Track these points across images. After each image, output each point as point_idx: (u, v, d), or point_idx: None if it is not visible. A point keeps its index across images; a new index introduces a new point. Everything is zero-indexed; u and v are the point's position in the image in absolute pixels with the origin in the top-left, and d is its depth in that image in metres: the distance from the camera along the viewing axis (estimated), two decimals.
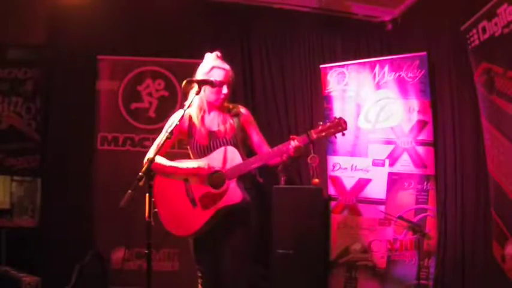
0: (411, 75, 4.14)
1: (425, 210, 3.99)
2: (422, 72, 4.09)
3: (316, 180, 4.10)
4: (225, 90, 2.62)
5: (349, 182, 4.31)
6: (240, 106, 2.77)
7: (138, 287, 2.61)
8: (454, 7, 3.77)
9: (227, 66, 2.66)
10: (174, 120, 2.48)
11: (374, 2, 4.71)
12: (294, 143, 2.50)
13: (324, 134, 2.52)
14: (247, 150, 2.72)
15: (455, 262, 3.72)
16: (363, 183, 4.24)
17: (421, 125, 4.08)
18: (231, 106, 2.74)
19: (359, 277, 4.17)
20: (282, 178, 4.18)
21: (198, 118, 2.66)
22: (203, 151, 2.63)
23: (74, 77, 4.42)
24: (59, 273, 3.81)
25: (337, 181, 4.37)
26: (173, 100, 4.44)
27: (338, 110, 4.39)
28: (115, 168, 4.27)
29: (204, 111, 2.69)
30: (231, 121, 2.67)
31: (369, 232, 4.17)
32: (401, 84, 4.18)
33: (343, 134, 2.54)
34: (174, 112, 2.69)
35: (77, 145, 4.37)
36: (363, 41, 4.88)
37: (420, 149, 4.06)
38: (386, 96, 4.24)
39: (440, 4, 4.00)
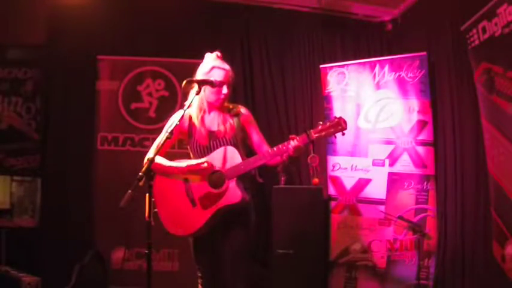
0: (411, 75, 4.14)
1: (425, 210, 3.99)
2: (422, 72, 4.09)
3: (316, 180, 4.10)
4: (225, 90, 2.63)
5: (349, 182, 4.31)
6: (240, 106, 2.77)
7: (138, 287, 2.62)
8: (454, 7, 3.77)
9: (227, 66, 2.66)
10: (174, 120, 2.49)
11: (374, 2, 4.70)
12: (293, 143, 2.50)
13: (323, 133, 2.52)
14: (247, 150, 2.72)
15: (455, 262, 3.72)
16: (363, 183, 4.24)
17: (421, 125, 4.08)
18: (231, 106, 2.74)
19: (359, 277, 4.17)
20: (282, 178, 4.19)
21: (198, 118, 2.66)
22: (203, 151, 2.64)
23: (74, 77, 4.42)
24: (59, 273, 3.81)
25: (337, 181, 4.37)
26: (173, 100, 4.44)
27: (338, 110, 4.38)
28: (115, 168, 4.27)
29: (204, 111, 2.69)
30: (231, 121, 2.67)
31: (369, 232, 4.17)
32: (401, 84, 4.18)
33: (343, 134, 2.54)
34: (174, 112, 2.69)
35: (77, 145, 4.37)
36: (362, 41, 4.88)
37: (420, 149, 4.06)
38: (386, 96, 4.24)
39: (440, 4, 4.00)
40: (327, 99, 4.51)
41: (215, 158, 2.56)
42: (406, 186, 4.06)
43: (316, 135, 2.51)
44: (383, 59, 4.34)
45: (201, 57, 2.72)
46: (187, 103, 2.53)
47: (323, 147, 4.44)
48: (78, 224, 4.21)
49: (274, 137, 3.97)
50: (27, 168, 4.49)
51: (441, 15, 3.99)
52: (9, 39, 4.48)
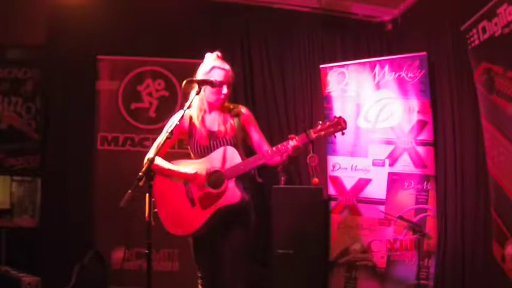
0: (411, 75, 4.13)
1: (425, 210, 3.99)
2: (422, 72, 4.09)
3: (316, 179, 4.10)
4: (225, 90, 2.63)
5: (349, 182, 4.31)
6: (240, 106, 2.77)
7: (138, 287, 2.62)
8: (454, 7, 3.76)
9: (227, 66, 2.66)
10: (174, 120, 2.49)
11: (374, 2, 4.70)
12: (292, 143, 2.50)
13: (323, 133, 2.51)
14: (248, 150, 2.72)
15: (455, 262, 3.72)
16: (362, 183, 4.24)
17: (421, 125, 4.07)
18: (231, 106, 2.74)
19: (359, 277, 4.17)
20: (282, 178, 4.18)
21: (199, 118, 2.67)
22: (203, 151, 2.64)
23: (74, 77, 4.42)
24: (59, 273, 3.81)
25: (337, 181, 4.37)
26: (173, 100, 4.44)
27: (338, 110, 4.38)
28: (115, 168, 4.28)
29: (205, 112, 2.69)
30: (232, 121, 2.67)
31: (369, 232, 4.17)
32: (401, 84, 4.18)
33: (343, 134, 2.53)
34: (174, 112, 2.70)
35: (77, 145, 4.37)
36: (362, 41, 4.88)
37: (420, 149, 4.06)
38: (386, 96, 4.24)
39: (440, 4, 3.99)
40: (327, 99, 4.51)
41: (215, 158, 2.57)
42: (406, 186, 4.06)
43: (316, 135, 2.51)
44: (383, 59, 4.34)
45: (201, 57, 2.72)
46: (187, 103, 2.53)
47: (323, 147, 4.44)
48: (78, 224, 4.21)
49: (274, 137, 3.98)
50: (27, 168, 4.49)
51: (441, 15, 3.99)
52: (9, 39, 4.48)
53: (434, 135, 4.05)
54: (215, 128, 2.66)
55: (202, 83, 2.55)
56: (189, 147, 2.73)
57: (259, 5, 4.75)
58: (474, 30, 3.35)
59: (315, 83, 4.76)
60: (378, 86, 4.30)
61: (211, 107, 2.69)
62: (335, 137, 2.58)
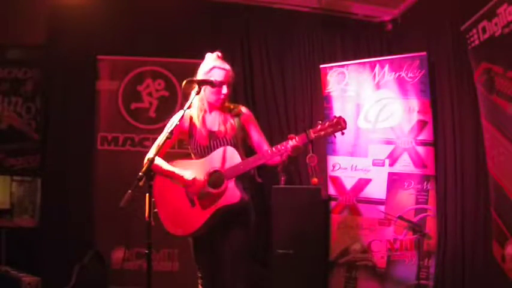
0: (411, 75, 4.13)
1: (425, 210, 3.99)
2: (422, 72, 4.09)
3: (315, 179, 4.10)
4: (224, 90, 2.62)
5: (349, 182, 4.31)
6: (241, 106, 2.77)
7: (138, 287, 2.62)
8: (454, 7, 3.76)
9: (227, 66, 2.66)
10: (174, 120, 2.49)
11: (374, 2, 4.70)
12: (292, 143, 2.49)
13: (322, 133, 2.51)
14: (248, 150, 2.72)
15: (455, 262, 3.72)
16: (362, 183, 4.24)
17: (421, 125, 4.07)
18: (231, 106, 2.74)
19: (359, 277, 4.17)
20: (282, 178, 4.18)
21: (199, 118, 2.67)
22: (203, 151, 2.64)
23: (74, 77, 4.42)
24: (59, 273, 3.81)
25: (337, 181, 4.37)
26: (173, 100, 4.45)
27: (338, 110, 4.38)
28: (115, 168, 4.28)
29: (205, 112, 2.69)
30: (232, 121, 2.67)
31: (369, 232, 4.17)
32: (402, 84, 4.18)
33: (343, 133, 2.53)
34: (174, 112, 2.70)
35: (77, 145, 4.37)
36: (362, 41, 4.88)
37: (420, 149, 4.06)
38: (386, 96, 4.24)
39: (440, 4, 3.99)
40: (327, 99, 4.51)
41: (214, 158, 2.57)
42: (406, 186, 4.06)
43: (315, 135, 2.51)
44: (383, 59, 4.34)
45: (201, 57, 2.72)
46: (187, 103, 2.53)
47: (323, 147, 4.45)
48: (78, 224, 4.21)
49: (274, 137, 3.98)
50: (27, 168, 4.49)
51: (441, 15, 3.99)
52: (9, 39, 4.48)
53: (434, 135, 4.05)
54: (215, 128, 2.66)
55: (202, 83, 2.55)
56: (189, 147, 2.73)
57: (259, 5, 4.75)
58: (474, 30, 3.35)
59: (315, 83, 4.76)
60: (377, 86, 4.30)
61: (212, 107, 2.69)
62: (335, 137, 2.58)
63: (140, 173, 2.18)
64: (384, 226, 4.10)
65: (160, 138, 2.46)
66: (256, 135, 2.73)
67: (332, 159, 4.42)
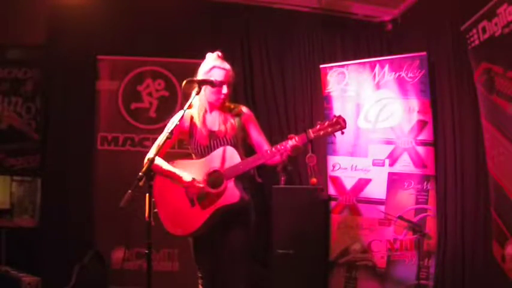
0: (411, 75, 4.13)
1: (425, 210, 3.99)
2: (422, 72, 4.09)
3: (314, 179, 4.10)
4: (225, 90, 2.63)
5: (349, 182, 4.31)
6: (241, 106, 2.77)
7: (138, 287, 2.62)
8: (454, 7, 3.76)
9: (228, 66, 2.66)
10: (174, 120, 2.49)
11: (374, 2, 4.70)
12: (291, 142, 2.49)
13: (322, 133, 2.51)
14: (249, 150, 2.72)
15: (455, 262, 3.72)
16: (362, 183, 4.24)
17: (421, 125, 4.07)
18: (232, 106, 2.74)
19: (359, 277, 4.17)
20: (282, 178, 4.18)
21: (200, 118, 2.67)
22: (203, 151, 2.64)
23: (74, 77, 4.42)
24: (59, 273, 3.81)
25: (337, 181, 4.37)
26: (173, 100, 4.45)
27: (338, 110, 4.38)
28: (115, 168, 4.27)
29: (205, 111, 2.70)
30: (232, 121, 2.67)
31: (369, 232, 4.17)
32: (402, 84, 4.18)
33: (343, 133, 2.52)
34: (175, 112, 2.70)
35: (77, 145, 4.37)
36: (362, 41, 4.88)
37: (420, 149, 4.06)
38: (386, 96, 4.24)
39: (440, 4, 3.99)
40: (327, 99, 4.51)
41: (214, 158, 2.57)
42: (406, 186, 4.06)
43: (315, 134, 2.50)
44: (383, 59, 4.34)
45: (201, 57, 2.73)
46: (187, 103, 2.53)
47: (323, 147, 4.45)
48: (78, 224, 4.21)
49: (274, 137, 3.98)
50: (27, 168, 4.49)
51: (441, 15, 3.99)
52: (9, 39, 4.48)
53: (434, 135, 4.05)
54: (216, 128, 2.66)
55: (202, 83, 2.55)
56: (189, 147, 2.73)
57: (259, 5, 4.75)
58: (474, 30, 3.35)
59: (315, 83, 4.76)
60: (378, 86, 4.30)
61: (212, 106, 2.69)
62: (335, 136, 2.58)
63: (140, 173, 2.18)
64: (384, 226, 4.10)
65: (161, 138, 2.46)
66: (257, 135, 2.72)
67: (332, 159, 4.42)
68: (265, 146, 2.67)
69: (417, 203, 4.01)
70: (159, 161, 2.56)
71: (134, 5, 4.49)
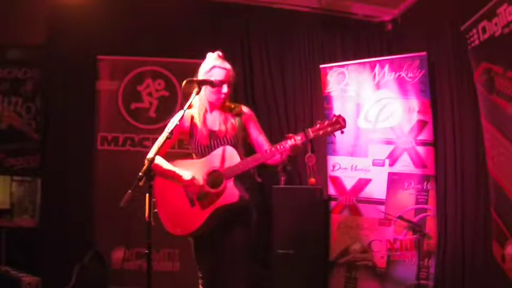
0: (411, 75, 4.13)
1: (425, 210, 3.99)
2: (422, 72, 4.09)
3: (313, 179, 4.10)
4: (225, 89, 2.62)
5: (349, 182, 4.31)
6: (242, 105, 2.77)
7: (138, 287, 2.62)
8: (454, 7, 3.76)
9: (228, 66, 2.67)
10: (174, 120, 2.49)
11: (374, 2, 4.70)
12: (290, 142, 2.49)
13: (321, 132, 2.50)
14: (249, 150, 2.72)
15: (455, 262, 3.72)
16: (363, 183, 4.24)
17: (421, 125, 4.07)
18: (232, 105, 2.74)
19: (359, 277, 4.16)
20: (282, 178, 4.19)
21: (200, 118, 2.67)
22: (204, 151, 2.64)
23: (74, 77, 4.42)
24: (59, 273, 3.81)
25: (337, 181, 4.37)
26: (173, 100, 4.44)
27: (338, 110, 4.38)
28: (115, 168, 4.27)
29: (206, 111, 2.70)
30: (233, 120, 2.67)
31: (369, 232, 4.17)
32: (402, 84, 4.18)
33: (342, 132, 2.52)
34: (175, 112, 2.70)
35: (77, 145, 4.37)
36: (362, 41, 4.88)
37: (420, 149, 4.06)
38: (386, 96, 4.24)
39: (440, 4, 3.99)
40: (327, 99, 4.51)
41: (214, 157, 2.57)
42: (406, 186, 4.06)
43: (314, 133, 2.50)
44: (383, 59, 4.34)
45: (201, 57, 2.73)
46: (187, 103, 2.53)
47: (323, 147, 4.45)
48: (78, 224, 4.21)
49: (274, 137, 3.97)
50: (27, 168, 4.49)
51: (441, 15, 3.99)
52: (9, 39, 4.48)
53: (434, 135, 4.05)
54: (216, 128, 2.66)
55: (202, 83, 2.55)
56: (190, 147, 2.73)
57: (259, 5, 4.75)
58: (474, 30, 3.35)
59: (315, 83, 4.76)
60: (378, 86, 4.30)
61: (212, 106, 2.69)
62: (335, 136, 2.58)
63: (140, 173, 2.18)
64: (384, 226, 4.10)
65: (161, 139, 2.46)
66: (257, 135, 2.72)
67: (332, 159, 4.42)
68: (266, 146, 2.66)
69: (417, 203, 4.01)
70: (159, 161, 2.56)
71: (134, 5, 4.49)
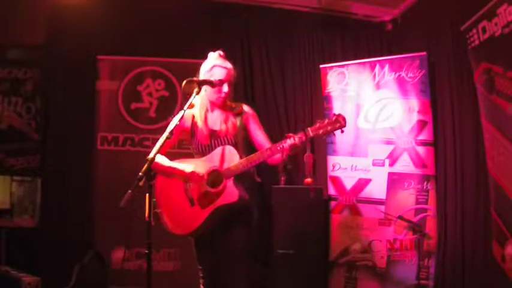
0: (411, 75, 4.13)
1: (425, 210, 3.99)
2: (422, 72, 4.09)
3: (309, 179, 4.10)
4: (225, 88, 2.63)
5: (349, 182, 4.31)
6: (243, 105, 2.77)
7: (138, 287, 2.61)
8: (454, 7, 3.76)
9: (229, 65, 2.67)
10: (175, 120, 2.49)
11: (374, 2, 4.70)
12: (289, 141, 2.49)
13: (321, 131, 2.49)
14: (250, 149, 2.71)
15: (455, 262, 3.72)
16: (362, 183, 4.24)
17: (421, 125, 4.07)
18: (233, 105, 2.74)
19: (359, 277, 4.16)
20: (282, 178, 4.18)
21: (201, 117, 2.67)
22: (204, 150, 2.64)
23: (74, 77, 4.42)
24: (59, 273, 3.81)
25: (337, 181, 4.37)
26: (173, 100, 4.44)
27: (338, 110, 4.38)
28: (115, 168, 4.27)
29: (207, 110, 2.70)
30: (233, 120, 2.68)
31: (369, 232, 4.17)
32: (402, 84, 4.18)
33: (342, 131, 2.51)
34: (175, 112, 2.70)
35: (77, 145, 4.36)
36: (362, 41, 4.87)
37: (420, 149, 4.06)
38: (386, 96, 4.24)
39: (440, 4, 3.99)
40: (327, 99, 4.51)
41: (214, 157, 2.57)
42: (406, 186, 4.06)
43: (314, 133, 2.49)
44: (383, 59, 4.34)
45: (201, 57, 2.73)
46: (187, 103, 2.53)
47: (323, 147, 4.45)
48: (78, 224, 4.21)
49: (274, 137, 3.97)
50: (27, 168, 4.48)
51: (441, 15, 3.99)
52: (9, 39, 4.48)
53: (434, 135, 4.05)
54: (217, 127, 2.66)
55: (201, 83, 2.55)
56: (191, 147, 2.73)
57: (259, 5, 4.75)
58: (474, 30, 3.35)
59: (315, 83, 4.76)
60: (377, 86, 4.30)
61: (213, 105, 2.69)
62: (334, 135, 2.57)
63: (140, 173, 2.18)
64: (384, 226, 4.10)
65: (161, 139, 2.46)
66: (258, 134, 2.72)
67: (332, 159, 4.42)
68: (267, 145, 2.66)
69: (417, 203, 4.01)
70: (160, 159, 2.56)
71: (134, 5, 4.49)
